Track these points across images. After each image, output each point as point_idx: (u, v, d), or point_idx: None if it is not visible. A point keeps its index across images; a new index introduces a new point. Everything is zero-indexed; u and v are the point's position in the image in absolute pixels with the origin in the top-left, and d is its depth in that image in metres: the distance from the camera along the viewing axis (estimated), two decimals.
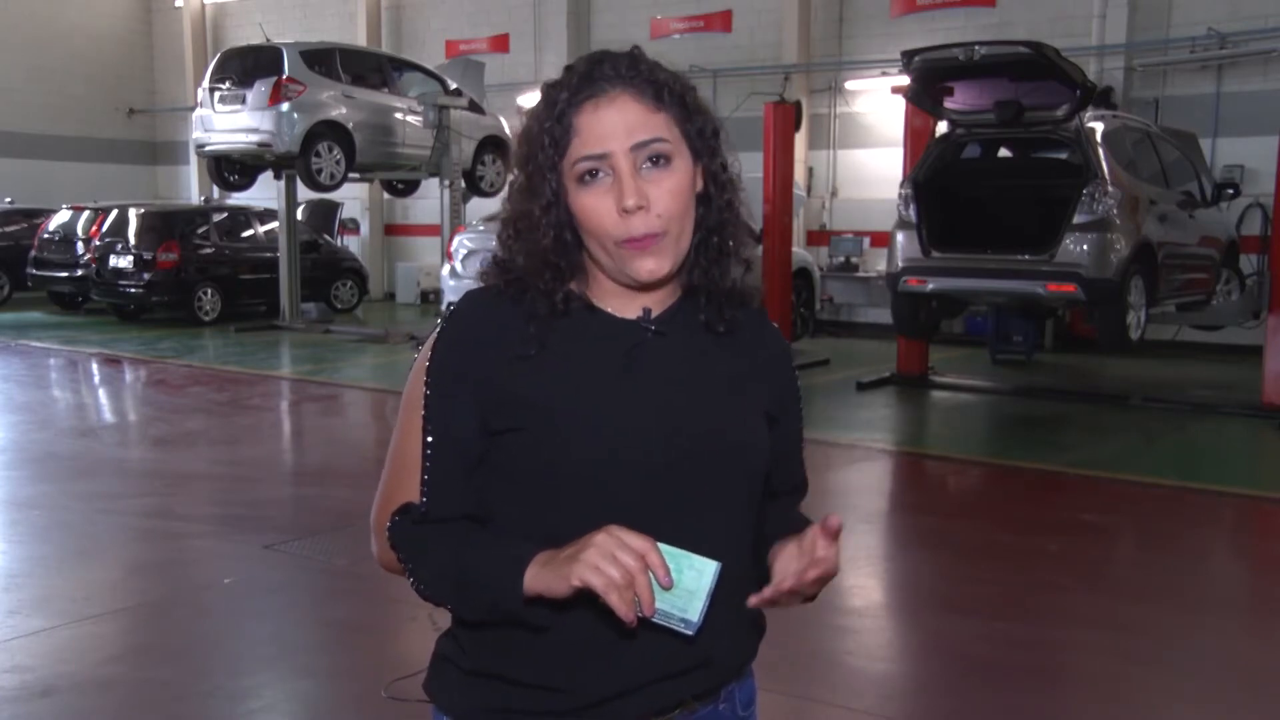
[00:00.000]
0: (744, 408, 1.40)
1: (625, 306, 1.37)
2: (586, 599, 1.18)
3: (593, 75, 1.31)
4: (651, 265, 1.30)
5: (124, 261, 14.71)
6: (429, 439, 1.34)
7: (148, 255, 14.47)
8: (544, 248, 1.32)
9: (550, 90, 1.33)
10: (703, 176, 1.36)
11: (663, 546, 1.17)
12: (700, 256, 1.37)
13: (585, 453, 1.29)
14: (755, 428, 1.40)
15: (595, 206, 1.29)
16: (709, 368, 1.38)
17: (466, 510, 1.34)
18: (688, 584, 1.17)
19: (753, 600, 1.28)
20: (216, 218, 15.54)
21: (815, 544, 1.27)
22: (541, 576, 1.21)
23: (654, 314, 1.37)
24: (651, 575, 1.16)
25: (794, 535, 1.33)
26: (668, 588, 1.16)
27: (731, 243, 1.38)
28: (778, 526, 1.42)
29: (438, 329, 1.37)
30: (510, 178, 1.39)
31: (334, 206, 17.47)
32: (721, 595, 1.20)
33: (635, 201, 1.27)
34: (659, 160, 1.30)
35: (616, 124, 1.29)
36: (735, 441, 1.37)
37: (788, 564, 1.29)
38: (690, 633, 1.18)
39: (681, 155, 1.32)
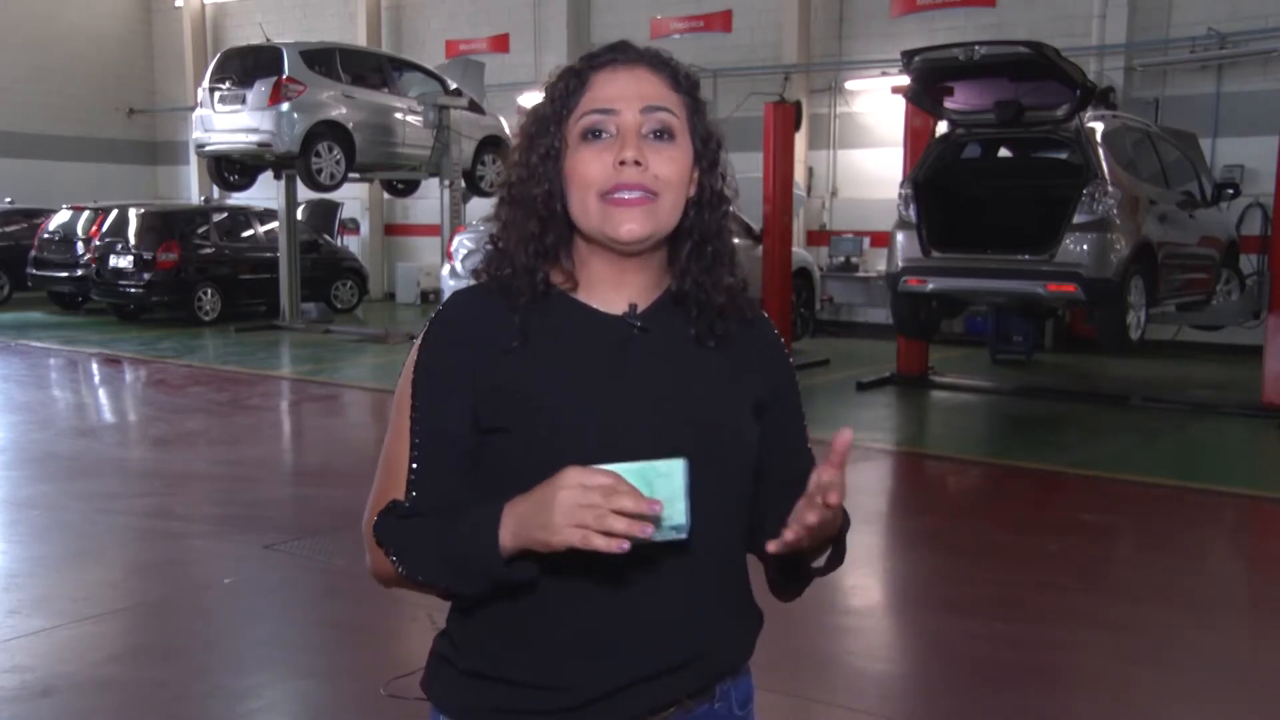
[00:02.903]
0: (732, 400, 1.39)
1: (610, 298, 1.36)
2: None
3: (617, 48, 1.34)
4: (632, 225, 1.29)
5: (124, 261, 14.71)
6: (415, 437, 1.34)
7: (148, 255, 14.47)
8: (534, 196, 1.32)
9: (571, 64, 1.36)
10: (699, 183, 1.36)
11: (625, 466, 1.16)
12: (692, 264, 1.37)
13: (575, 449, 1.28)
14: (744, 420, 1.40)
15: (591, 160, 1.30)
16: (696, 362, 1.38)
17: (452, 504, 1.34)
18: (662, 492, 1.16)
19: (771, 546, 1.23)
20: (216, 218, 15.54)
21: (819, 474, 1.24)
22: (522, 535, 1.20)
23: (640, 309, 1.37)
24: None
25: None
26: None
27: (724, 254, 1.38)
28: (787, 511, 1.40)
29: (425, 328, 1.37)
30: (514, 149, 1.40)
31: (334, 206, 17.47)
32: (714, 588, 1.20)
33: (634, 155, 1.28)
34: (663, 134, 1.31)
35: (630, 87, 1.31)
36: (724, 435, 1.36)
37: (801, 513, 1.24)
38: (684, 536, 1.17)
39: (684, 139, 1.33)
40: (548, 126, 1.32)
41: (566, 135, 1.31)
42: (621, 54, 1.33)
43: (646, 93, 1.31)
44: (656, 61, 1.34)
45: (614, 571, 1.27)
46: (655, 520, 1.13)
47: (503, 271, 1.35)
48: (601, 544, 1.12)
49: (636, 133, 1.29)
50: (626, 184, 1.28)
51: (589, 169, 1.30)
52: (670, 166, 1.30)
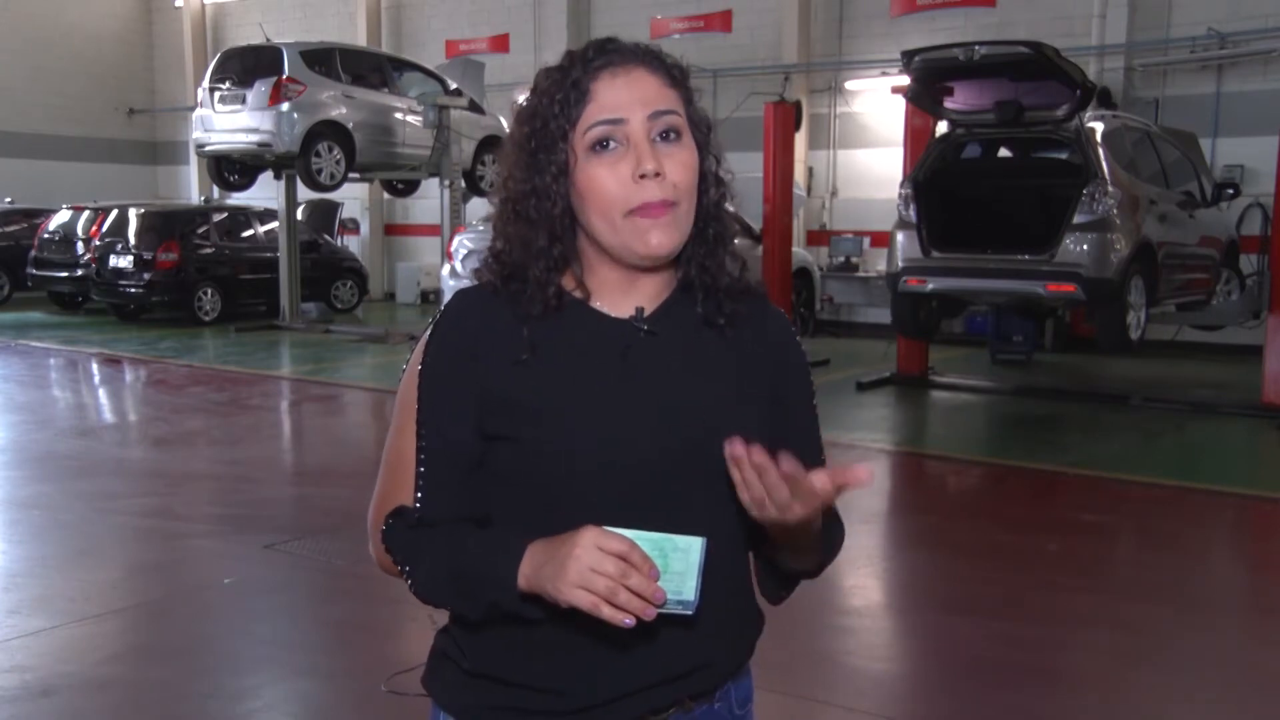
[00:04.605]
0: (739, 402, 1.37)
1: (619, 303, 1.35)
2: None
3: (606, 49, 1.32)
4: (659, 238, 1.29)
5: (124, 261, 14.71)
6: (422, 443, 1.34)
7: (148, 255, 14.47)
8: (550, 215, 1.31)
9: (554, 70, 1.33)
10: (699, 169, 1.36)
11: (643, 535, 1.16)
12: (696, 247, 1.37)
13: (580, 457, 1.28)
14: (752, 422, 1.37)
15: (606, 175, 1.28)
16: (703, 364, 1.37)
17: (461, 514, 1.34)
18: (676, 567, 1.16)
19: (730, 449, 1.20)
20: (216, 218, 15.54)
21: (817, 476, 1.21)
22: (535, 583, 1.21)
23: (647, 312, 1.36)
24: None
25: None
26: (655, 579, 1.15)
27: (725, 234, 1.38)
28: None
29: (429, 329, 1.36)
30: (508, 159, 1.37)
31: (334, 206, 17.47)
32: (719, 596, 1.19)
33: (654, 167, 1.27)
34: (670, 135, 1.30)
35: (633, 93, 1.29)
36: (729, 439, 1.35)
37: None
38: (690, 613, 1.17)
39: (688, 135, 1.33)
40: (554, 141, 1.30)
41: (574, 148, 1.30)
42: (616, 56, 1.31)
43: (650, 96, 1.29)
44: (651, 60, 1.32)
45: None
46: (660, 602, 1.14)
47: (513, 285, 1.34)
48: (608, 614, 1.14)
49: (647, 140, 1.28)
50: (651, 200, 1.27)
51: (607, 185, 1.28)
52: (684, 171, 1.30)
